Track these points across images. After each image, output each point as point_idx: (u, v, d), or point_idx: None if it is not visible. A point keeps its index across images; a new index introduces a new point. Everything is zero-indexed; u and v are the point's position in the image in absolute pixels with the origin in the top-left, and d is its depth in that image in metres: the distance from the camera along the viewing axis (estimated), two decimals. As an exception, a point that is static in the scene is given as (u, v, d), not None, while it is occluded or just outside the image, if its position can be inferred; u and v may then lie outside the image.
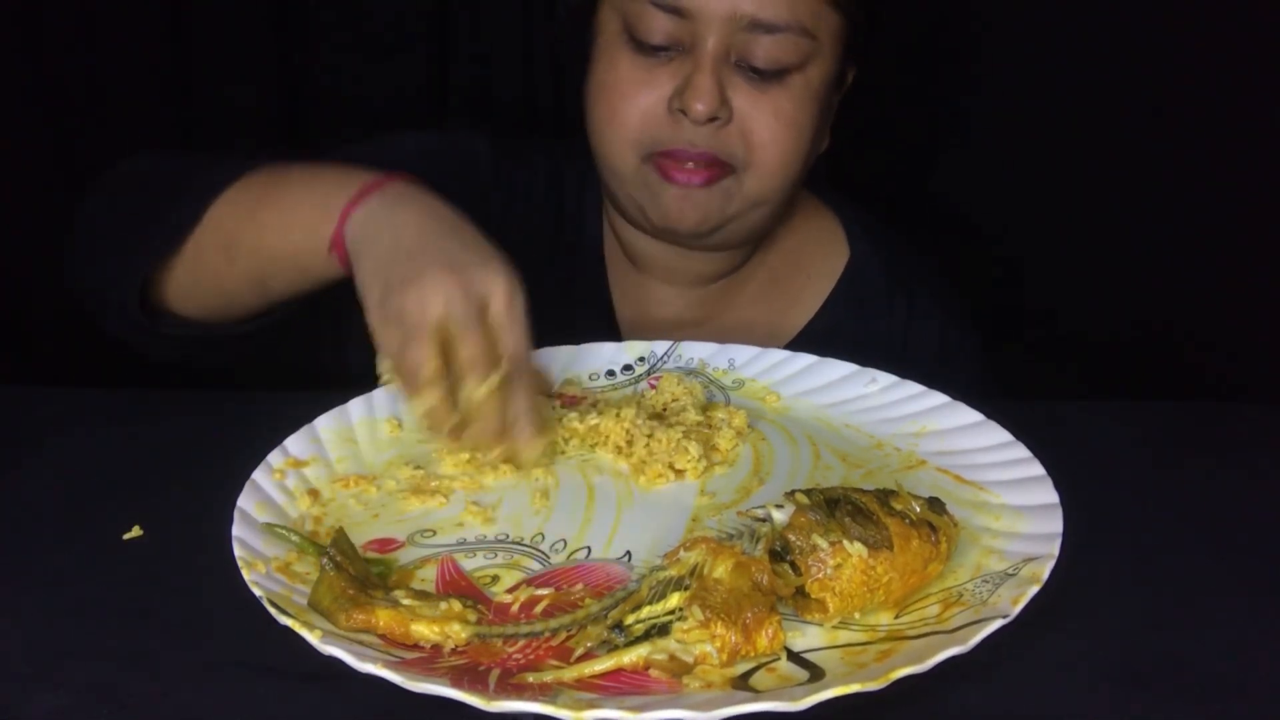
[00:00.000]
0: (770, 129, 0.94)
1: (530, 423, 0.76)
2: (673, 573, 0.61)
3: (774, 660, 0.58)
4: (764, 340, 0.96)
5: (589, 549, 0.69)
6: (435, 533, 0.71)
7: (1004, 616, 0.58)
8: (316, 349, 1.03)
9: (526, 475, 0.77)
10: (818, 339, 1.04)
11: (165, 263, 0.88)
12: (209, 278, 0.89)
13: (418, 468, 0.78)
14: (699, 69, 0.92)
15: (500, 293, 0.74)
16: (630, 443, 0.80)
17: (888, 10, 1.02)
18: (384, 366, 0.77)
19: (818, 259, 1.11)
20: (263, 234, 0.86)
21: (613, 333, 1.08)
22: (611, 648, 0.58)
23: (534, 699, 0.53)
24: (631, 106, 0.95)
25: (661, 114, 0.94)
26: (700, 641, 0.57)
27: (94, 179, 0.95)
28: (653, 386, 0.90)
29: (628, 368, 0.93)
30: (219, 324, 0.92)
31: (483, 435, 0.75)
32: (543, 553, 0.69)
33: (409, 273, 0.74)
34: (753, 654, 0.58)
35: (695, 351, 0.94)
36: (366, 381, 0.85)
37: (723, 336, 0.97)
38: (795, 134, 0.96)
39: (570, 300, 1.09)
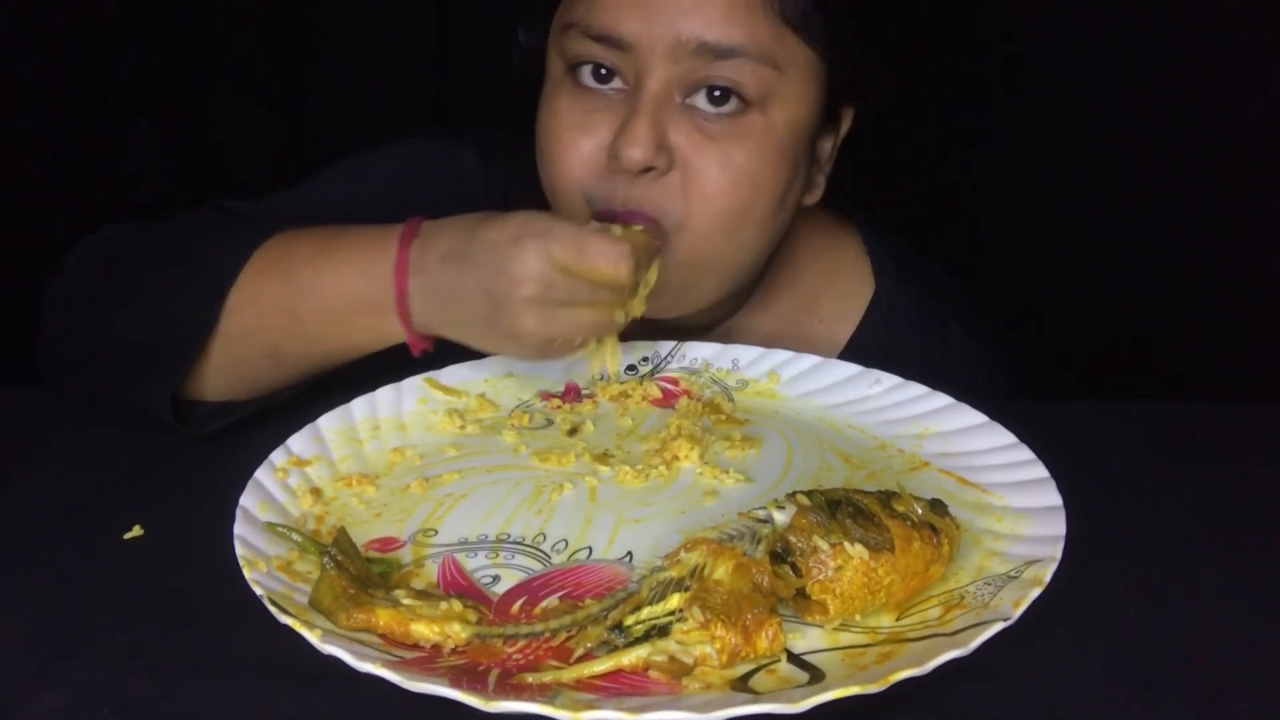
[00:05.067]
0: (715, 181, 0.82)
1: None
2: (673, 574, 0.61)
3: (774, 662, 0.58)
4: None
5: (590, 549, 0.69)
6: (437, 532, 0.71)
7: (1005, 619, 0.58)
8: None
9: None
10: None
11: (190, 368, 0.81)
12: (251, 379, 0.83)
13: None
14: (635, 110, 0.81)
15: (562, 237, 0.71)
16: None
17: (885, 49, 0.91)
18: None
19: (835, 301, 1.01)
20: (315, 342, 0.80)
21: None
22: (611, 649, 0.58)
23: (533, 699, 0.53)
24: (571, 153, 0.85)
25: (601, 163, 0.84)
26: (700, 643, 0.57)
27: (56, 267, 0.89)
28: (665, 393, 0.90)
29: (631, 368, 0.93)
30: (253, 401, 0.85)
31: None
32: (544, 553, 0.69)
33: (501, 294, 0.72)
34: (753, 656, 0.58)
35: (699, 352, 0.94)
36: (366, 383, 0.85)
37: None
38: (746, 189, 0.83)
39: None
